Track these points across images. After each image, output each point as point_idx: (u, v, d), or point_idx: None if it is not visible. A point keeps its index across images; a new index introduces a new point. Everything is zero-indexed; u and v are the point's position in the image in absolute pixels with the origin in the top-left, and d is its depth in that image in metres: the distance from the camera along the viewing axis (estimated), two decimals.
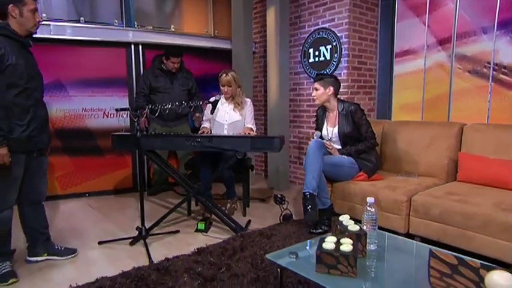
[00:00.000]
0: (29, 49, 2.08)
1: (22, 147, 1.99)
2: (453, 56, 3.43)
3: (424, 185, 2.46)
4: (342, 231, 1.35)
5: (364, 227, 1.40)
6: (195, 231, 2.78)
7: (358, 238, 1.32)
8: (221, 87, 3.04)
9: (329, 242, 1.23)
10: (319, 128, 2.91)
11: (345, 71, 3.66)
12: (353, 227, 1.37)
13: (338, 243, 1.24)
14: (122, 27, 3.96)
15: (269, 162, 4.33)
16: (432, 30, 3.58)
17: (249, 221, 2.96)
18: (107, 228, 2.88)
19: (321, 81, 2.78)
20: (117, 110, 2.39)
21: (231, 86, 3.00)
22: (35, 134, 2.04)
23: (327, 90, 2.76)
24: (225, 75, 2.99)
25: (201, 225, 2.77)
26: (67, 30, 3.61)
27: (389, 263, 1.29)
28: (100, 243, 2.53)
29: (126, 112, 3.78)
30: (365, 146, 2.70)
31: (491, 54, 3.20)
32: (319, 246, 1.23)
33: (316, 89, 2.79)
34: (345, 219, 1.44)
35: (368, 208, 1.38)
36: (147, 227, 2.57)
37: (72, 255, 2.32)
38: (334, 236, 1.32)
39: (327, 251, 1.20)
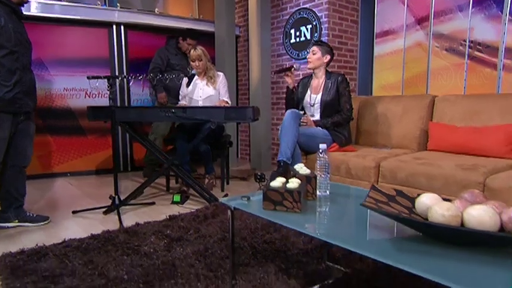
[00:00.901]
0: (21, 19, 2.16)
1: (5, 107, 2.04)
2: (431, 34, 3.47)
3: (393, 154, 2.49)
4: (294, 176, 1.37)
5: (318, 174, 1.42)
6: (171, 203, 2.80)
7: (308, 180, 1.35)
8: (192, 64, 3.05)
9: (277, 182, 1.26)
10: (299, 96, 2.91)
11: None
12: (304, 171, 1.40)
13: (286, 183, 1.27)
14: (105, 7, 3.96)
15: (252, 144, 4.36)
16: (411, 9, 3.61)
17: (226, 195, 2.99)
18: (84, 202, 2.88)
19: (321, 46, 2.81)
20: (88, 78, 2.40)
21: (201, 60, 3.02)
22: (20, 97, 2.10)
23: (324, 57, 2.80)
24: (193, 50, 3.01)
25: (177, 198, 2.79)
26: (49, 8, 3.61)
27: (337, 204, 1.32)
28: (74, 212, 2.55)
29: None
30: (341, 118, 2.72)
31: (466, 32, 3.24)
32: (267, 185, 1.26)
33: (314, 53, 2.80)
34: (299, 166, 1.47)
35: (320, 155, 1.41)
36: (122, 199, 2.59)
37: (44, 222, 2.33)
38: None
39: (273, 188, 1.23)
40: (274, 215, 1.20)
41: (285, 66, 2.94)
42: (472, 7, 3.19)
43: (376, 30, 3.88)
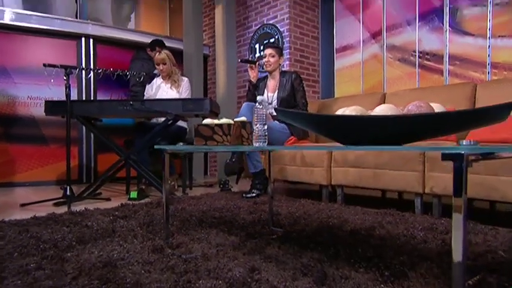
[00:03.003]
0: None
1: None
2: (384, 47, 3.72)
3: None
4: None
5: (255, 126, 1.45)
6: (128, 199, 2.73)
7: (243, 125, 1.38)
8: (156, 67, 3.14)
9: (208, 120, 1.29)
10: (259, 94, 3.00)
11: (287, 62, 3.87)
12: (241, 119, 1.44)
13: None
14: (74, 19, 4.08)
15: (218, 158, 4.36)
16: (366, 25, 3.89)
17: (187, 193, 2.95)
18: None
19: (276, 49, 2.95)
20: (44, 65, 2.42)
21: (165, 64, 3.10)
22: None
23: (280, 59, 2.93)
24: (158, 54, 3.11)
25: (134, 194, 2.73)
26: (17, 18, 3.68)
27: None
28: (22, 205, 2.44)
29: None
30: None
31: (415, 43, 3.50)
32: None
33: (272, 55, 2.91)
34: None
35: (257, 105, 1.45)
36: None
37: None
38: None
39: (204, 124, 1.25)
40: (204, 147, 1.22)
41: (251, 59, 3.08)
42: (418, 21, 3.47)
43: (336, 45, 4.12)
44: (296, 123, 1.01)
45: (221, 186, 3.24)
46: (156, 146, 1.39)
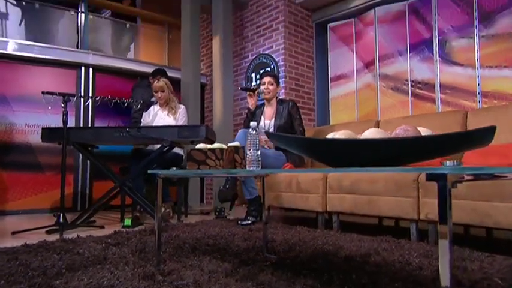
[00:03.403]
0: None
1: None
2: (377, 76, 3.81)
3: None
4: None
5: (249, 151, 1.47)
6: (122, 227, 2.69)
7: (236, 150, 1.39)
8: (155, 94, 3.19)
9: (202, 145, 1.30)
10: (255, 120, 3.04)
11: (283, 91, 3.94)
12: (234, 144, 1.45)
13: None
14: (74, 49, 4.19)
15: (214, 185, 4.34)
16: (359, 55, 4.00)
17: (182, 221, 2.92)
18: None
19: (275, 77, 3.01)
20: (43, 93, 2.46)
21: (164, 91, 3.15)
22: None
23: (277, 88, 3.00)
24: (157, 81, 3.17)
25: (128, 222, 2.69)
26: (20, 48, 3.77)
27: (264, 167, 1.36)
28: (14, 233, 2.40)
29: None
30: None
31: (407, 73, 3.59)
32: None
33: (271, 83, 2.97)
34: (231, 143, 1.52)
35: (250, 131, 1.47)
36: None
37: None
38: None
39: (197, 149, 1.27)
40: (197, 171, 1.23)
41: (251, 87, 3.15)
42: (410, 51, 3.59)
43: (330, 75, 4.22)
44: (289, 147, 1.03)
45: (217, 213, 3.21)
46: (149, 171, 1.40)
